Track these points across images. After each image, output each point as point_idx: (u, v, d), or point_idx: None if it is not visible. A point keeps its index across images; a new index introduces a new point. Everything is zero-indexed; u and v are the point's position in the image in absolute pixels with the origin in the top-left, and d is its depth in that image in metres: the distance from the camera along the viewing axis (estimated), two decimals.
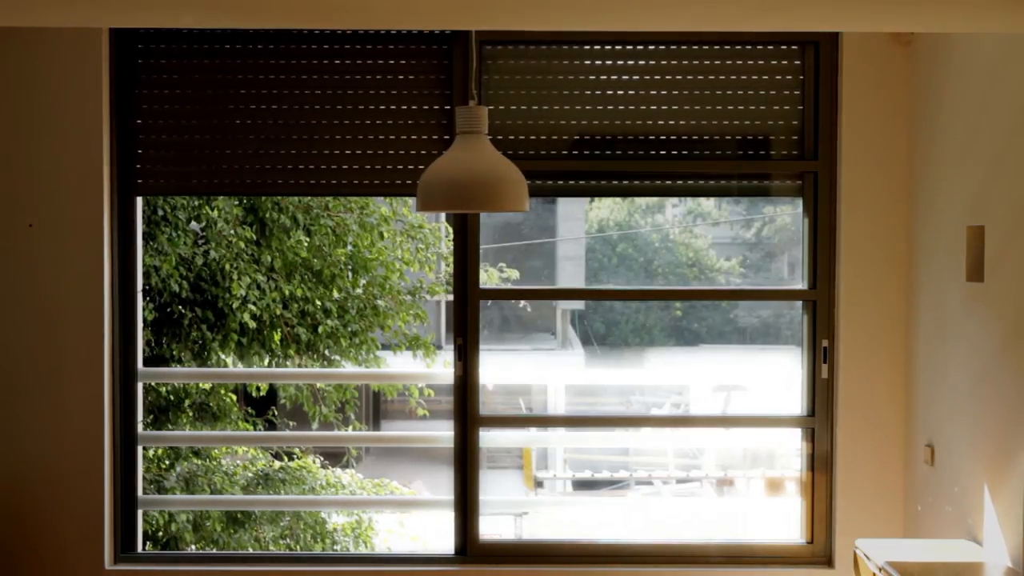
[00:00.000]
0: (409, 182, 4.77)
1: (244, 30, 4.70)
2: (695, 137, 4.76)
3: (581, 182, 4.86)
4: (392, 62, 4.74)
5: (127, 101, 4.76)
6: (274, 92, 4.75)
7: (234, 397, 7.85)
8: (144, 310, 6.06)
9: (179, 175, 4.83)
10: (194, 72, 4.77)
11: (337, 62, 4.74)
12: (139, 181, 4.78)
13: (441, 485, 10.48)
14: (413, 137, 4.73)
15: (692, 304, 14.14)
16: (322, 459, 8.44)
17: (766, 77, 4.75)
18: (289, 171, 4.78)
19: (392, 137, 4.76)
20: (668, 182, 4.84)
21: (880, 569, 3.83)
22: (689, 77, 4.75)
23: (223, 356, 7.67)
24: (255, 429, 8.14)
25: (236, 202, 7.51)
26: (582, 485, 12.45)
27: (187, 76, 4.77)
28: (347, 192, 5.13)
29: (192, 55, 4.76)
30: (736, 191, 4.90)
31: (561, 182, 4.78)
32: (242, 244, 7.52)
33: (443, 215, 8.13)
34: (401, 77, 4.75)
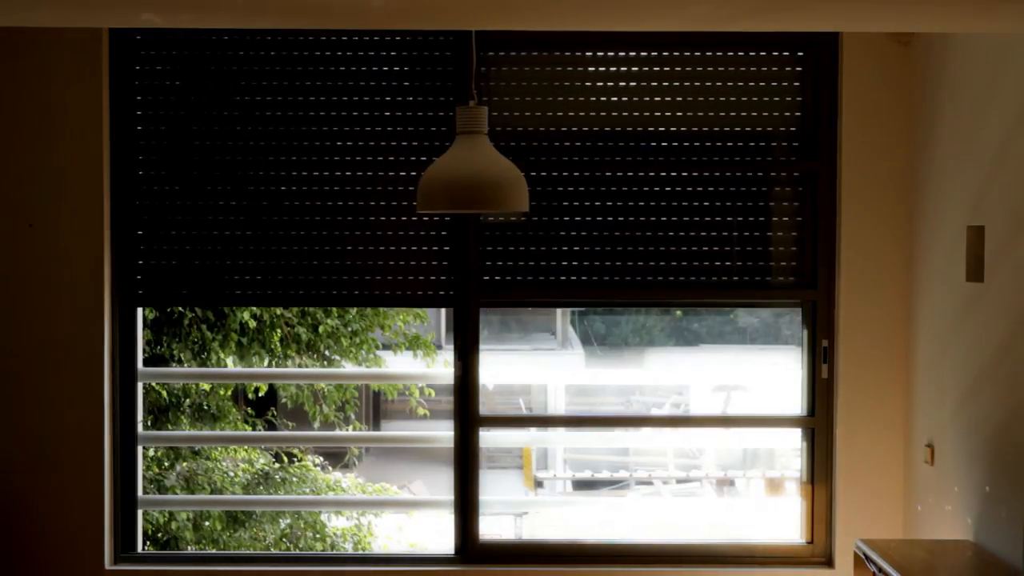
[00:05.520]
0: (420, 293, 4.81)
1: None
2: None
3: (575, 299, 4.91)
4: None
5: (127, 103, 4.77)
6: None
7: (231, 403, 7.85)
8: (144, 310, 6.05)
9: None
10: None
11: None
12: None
13: (441, 485, 10.49)
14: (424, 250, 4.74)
15: None
16: (322, 460, 8.44)
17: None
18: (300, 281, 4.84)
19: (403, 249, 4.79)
20: (665, 290, 4.82)
21: (880, 569, 3.83)
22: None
23: (223, 356, 7.67)
24: (255, 429, 8.14)
25: None
26: (582, 485, 12.44)
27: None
28: (350, 303, 5.19)
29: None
30: (735, 303, 4.92)
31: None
32: None
33: None
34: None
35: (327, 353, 8.13)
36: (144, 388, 5.96)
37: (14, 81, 4.68)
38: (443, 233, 4.77)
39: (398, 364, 8.71)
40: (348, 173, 4.77)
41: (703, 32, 4.62)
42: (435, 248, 4.78)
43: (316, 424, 8.25)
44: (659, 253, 4.79)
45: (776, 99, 4.76)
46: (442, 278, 4.80)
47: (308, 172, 4.76)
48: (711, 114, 4.75)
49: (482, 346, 4.80)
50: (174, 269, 4.81)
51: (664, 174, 4.77)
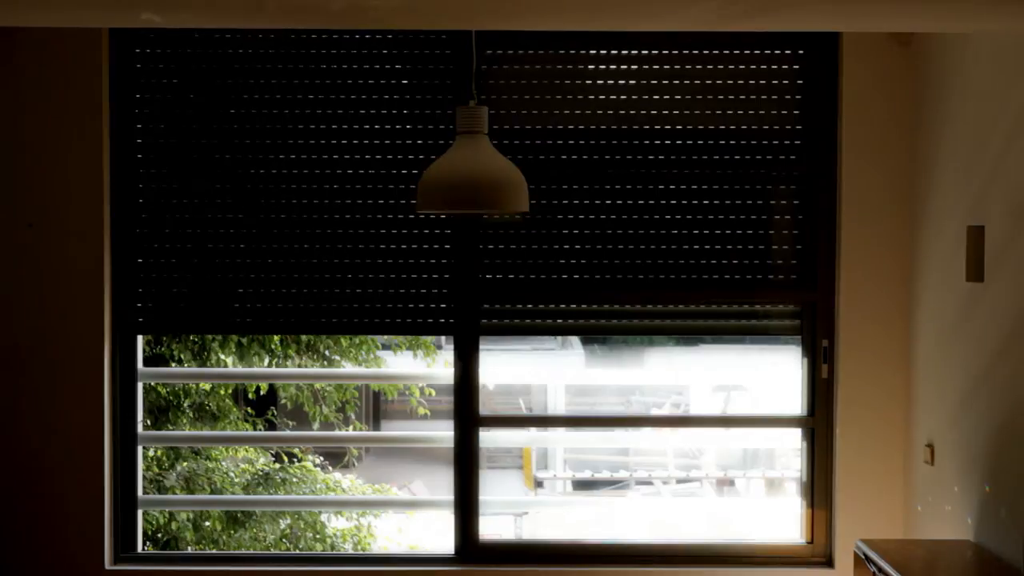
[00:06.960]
0: (420, 320, 4.81)
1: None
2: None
3: (572, 321, 4.92)
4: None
5: (127, 103, 4.77)
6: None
7: (231, 402, 7.85)
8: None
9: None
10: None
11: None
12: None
13: (441, 485, 10.48)
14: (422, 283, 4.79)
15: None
16: (322, 459, 8.45)
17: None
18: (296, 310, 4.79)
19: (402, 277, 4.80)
20: (658, 321, 4.88)
21: (880, 569, 3.82)
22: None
23: (223, 356, 7.67)
24: (255, 429, 8.14)
25: None
26: (582, 485, 12.43)
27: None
28: (351, 331, 5.19)
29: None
30: (734, 329, 4.97)
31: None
32: None
33: None
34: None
35: (327, 353, 8.13)
36: (144, 388, 5.96)
37: (14, 81, 4.68)
38: (443, 261, 4.76)
39: (398, 364, 8.72)
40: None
41: (703, 32, 4.62)
42: (435, 276, 4.77)
43: (315, 425, 8.26)
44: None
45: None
46: (442, 306, 4.79)
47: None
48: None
49: (482, 346, 4.80)
50: (172, 296, 4.81)
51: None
